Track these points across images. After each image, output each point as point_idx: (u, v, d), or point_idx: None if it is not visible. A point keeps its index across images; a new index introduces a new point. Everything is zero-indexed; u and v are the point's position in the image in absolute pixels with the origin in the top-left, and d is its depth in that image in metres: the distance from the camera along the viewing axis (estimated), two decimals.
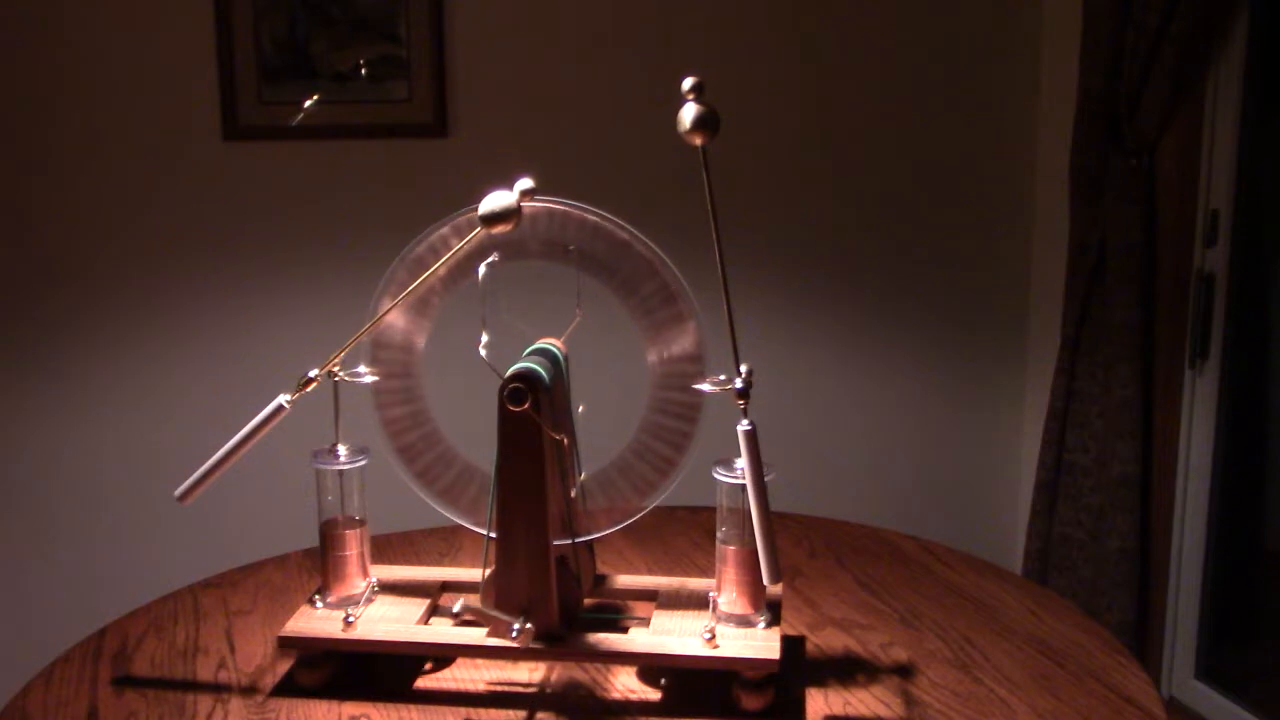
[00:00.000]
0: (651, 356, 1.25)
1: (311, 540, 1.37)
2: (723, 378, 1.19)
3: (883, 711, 1.19)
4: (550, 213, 1.24)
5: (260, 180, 2.57)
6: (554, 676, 1.27)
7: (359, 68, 2.53)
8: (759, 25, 2.65)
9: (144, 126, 2.52)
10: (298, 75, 2.52)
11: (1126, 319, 2.43)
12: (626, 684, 1.25)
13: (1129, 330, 2.43)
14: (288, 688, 1.25)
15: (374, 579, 1.32)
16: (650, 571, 1.55)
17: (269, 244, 2.59)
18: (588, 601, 1.31)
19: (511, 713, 1.19)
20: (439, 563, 1.58)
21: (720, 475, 1.22)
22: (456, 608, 1.20)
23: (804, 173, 2.73)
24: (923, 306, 2.81)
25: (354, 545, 1.29)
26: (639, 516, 1.28)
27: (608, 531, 1.29)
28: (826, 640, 1.36)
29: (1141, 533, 2.47)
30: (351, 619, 1.23)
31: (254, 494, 2.51)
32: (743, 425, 1.13)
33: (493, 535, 1.23)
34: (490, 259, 1.24)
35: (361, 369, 1.28)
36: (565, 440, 1.25)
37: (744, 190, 2.69)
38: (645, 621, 1.27)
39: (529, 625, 1.19)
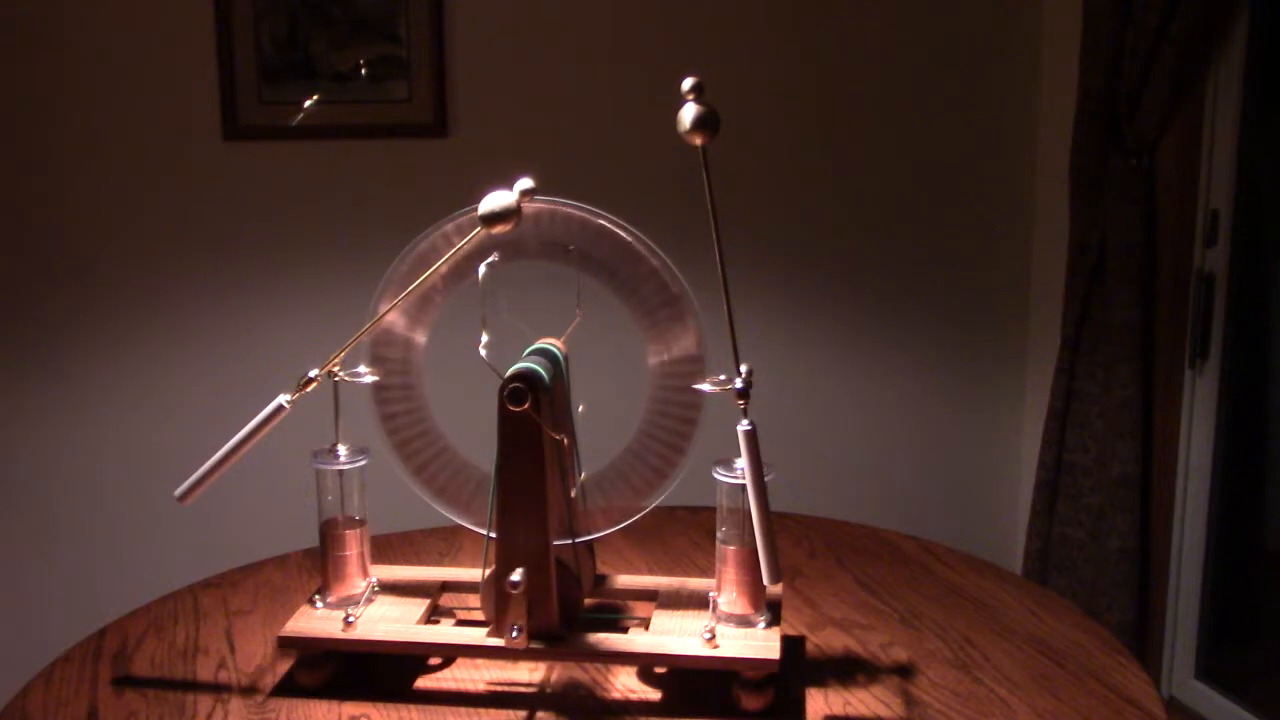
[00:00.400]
0: (652, 356, 1.25)
1: (311, 540, 1.37)
2: (723, 378, 1.19)
3: (883, 711, 1.19)
4: (550, 213, 1.24)
5: (260, 180, 2.57)
6: (554, 676, 1.27)
7: (359, 68, 2.53)
8: (759, 25, 2.65)
9: (144, 126, 2.52)
10: (298, 75, 2.52)
11: (1126, 319, 2.43)
12: (626, 684, 1.25)
13: (1129, 330, 2.43)
14: (288, 688, 1.25)
15: (374, 579, 1.32)
16: (650, 571, 1.55)
17: (269, 244, 2.59)
18: (588, 601, 1.31)
19: (511, 713, 1.19)
20: (439, 563, 1.58)
21: (720, 475, 1.22)
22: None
23: (804, 173, 2.73)
24: (923, 306, 2.81)
25: (354, 545, 1.29)
26: (639, 516, 1.28)
27: (608, 531, 1.29)
28: (826, 640, 1.36)
29: (1141, 533, 2.47)
30: (351, 619, 1.23)
31: (254, 494, 2.51)
32: (743, 425, 1.13)
33: (493, 535, 1.23)
34: (490, 259, 1.24)
35: (361, 369, 1.28)
36: (565, 440, 1.25)
37: (744, 190, 2.69)
38: (645, 621, 1.27)
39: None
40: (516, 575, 1.18)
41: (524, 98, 2.60)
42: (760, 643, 1.19)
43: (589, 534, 1.29)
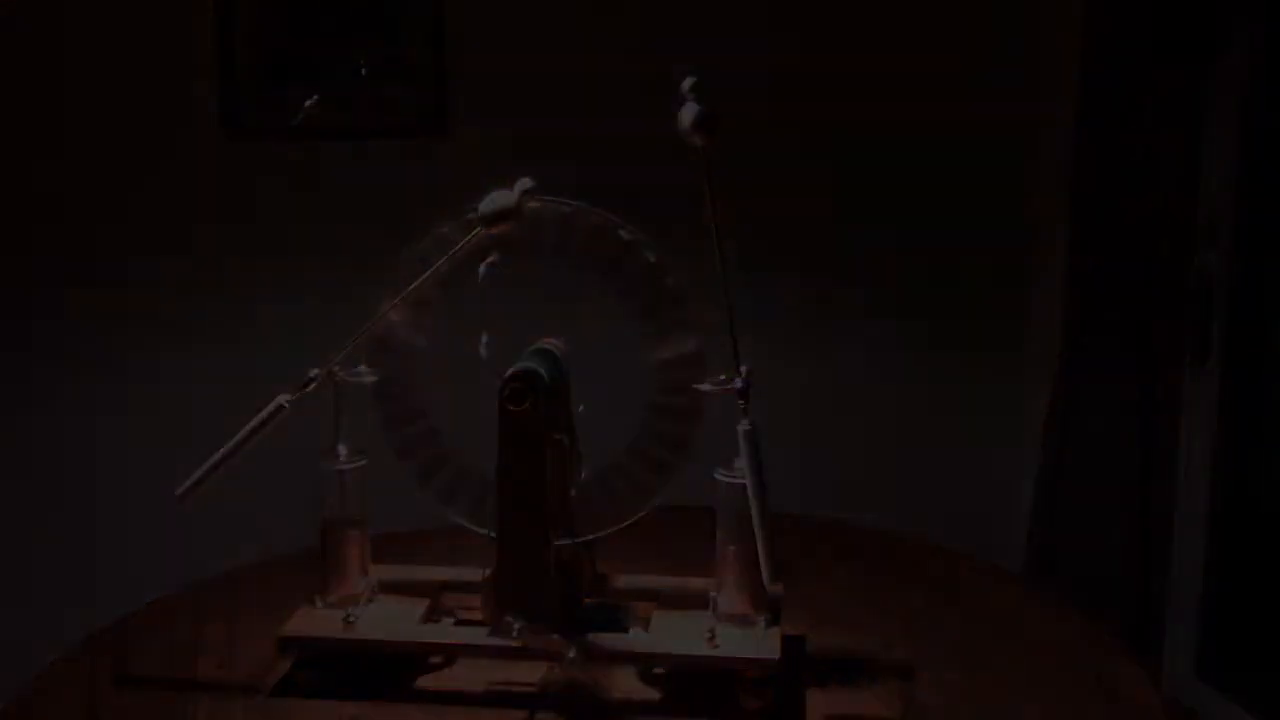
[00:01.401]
0: (652, 356, 1.25)
1: (311, 540, 1.37)
2: (723, 378, 1.19)
3: (883, 711, 1.19)
4: (551, 212, 1.24)
5: (260, 180, 2.57)
6: (554, 676, 1.27)
7: (359, 68, 2.53)
8: (759, 25, 2.65)
9: (144, 126, 2.52)
10: (298, 75, 2.52)
11: (1126, 319, 2.43)
12: (626, 684, 1.25)
13: (1129, 330, 2.43)
14: (288, 688, 1.25)
15: (374, 579, 1.32)
16: (650, 571, 1.55)
17: (269, 244, 2.59)
18: (588, 601, 1.31)
19: (511, 713, 1.19)
20: (439, 563, 1.58)
21: (720, 475, 1.22)
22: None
23: (804, 173, 2.73)
24: (921, 306, 2.81)
25: (354, 545, 1.29)
26: (639, 516, 1.28)
27: (608, 531, 1.29)
28: (826, 640, 1.36)
29: (1142, 533, 2.46)
30: (351, 619, 1.23)
31: (254, 494, 2.50)
32: (743, 425, 1.13)
33: (493, 535, 1.23)
34: (490, 259, 1.24)
35: (361, 369, 1.28)
36: (565, 440, 1.25)
37: (744, 190, 2.68)
38: (645, 621, 1.27)
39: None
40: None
41: (524, 98, 2.60)
42: (760, 643, 1.19)
43: (589, 534, 1.28)
